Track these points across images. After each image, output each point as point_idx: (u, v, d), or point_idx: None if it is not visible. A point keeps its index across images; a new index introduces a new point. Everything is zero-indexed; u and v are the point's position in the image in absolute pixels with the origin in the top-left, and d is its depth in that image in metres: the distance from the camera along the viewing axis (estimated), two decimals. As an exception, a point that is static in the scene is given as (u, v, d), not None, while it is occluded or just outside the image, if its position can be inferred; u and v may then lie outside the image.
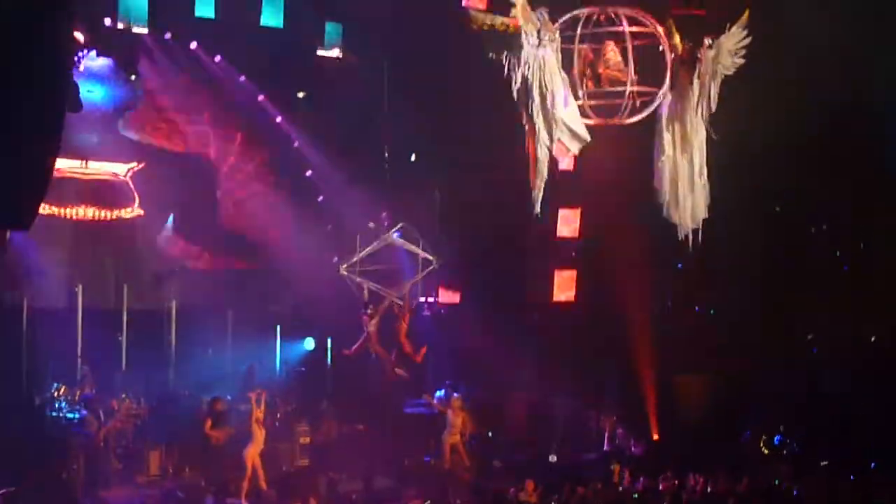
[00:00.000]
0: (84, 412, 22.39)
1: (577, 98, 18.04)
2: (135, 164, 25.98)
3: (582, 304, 28.90)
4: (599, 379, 27.84)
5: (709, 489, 20.14)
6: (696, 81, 18.03)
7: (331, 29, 27.00)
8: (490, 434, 25.90)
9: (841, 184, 26.85)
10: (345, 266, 24.68)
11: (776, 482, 20.22)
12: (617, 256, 27.54)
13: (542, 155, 17.81)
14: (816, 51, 23.74)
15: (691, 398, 28.66)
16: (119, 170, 25.91)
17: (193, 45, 25.90)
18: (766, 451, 26.28)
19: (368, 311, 25.18)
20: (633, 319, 27.90)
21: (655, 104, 18.32)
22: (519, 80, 17.37)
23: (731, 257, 27.24)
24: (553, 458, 25.73)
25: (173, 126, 26.82)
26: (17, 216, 14.02)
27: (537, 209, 18.24)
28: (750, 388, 27.48)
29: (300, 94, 27.86)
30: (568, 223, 28.75)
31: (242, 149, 27.86)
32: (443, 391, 26.43)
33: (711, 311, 30.07)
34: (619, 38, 17.89)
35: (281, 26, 26.27)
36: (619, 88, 18.03)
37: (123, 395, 23.36)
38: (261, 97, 27.24)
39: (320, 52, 27.02)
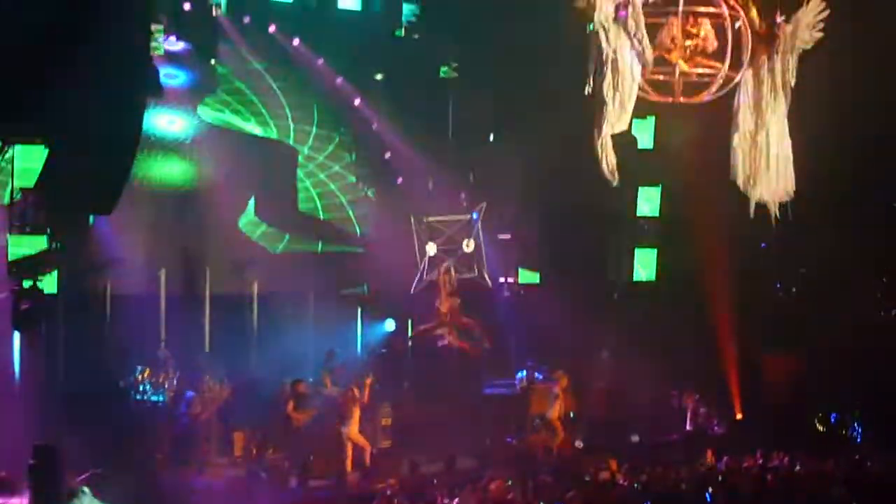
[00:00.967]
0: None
1: (652, 73, 17.81)
2: None
3: (663, 283, 28.73)
4: (681, 358, 27.64)
5: (796, 468, 19.94)
6: (775, 57, 17.79)
7: (408, 10, 26.99)
8: (572, 415, 25.80)
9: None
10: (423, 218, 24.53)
11: (864, 462, 19.95)
12: (698, 235, 27.35)
13: (607, 131, 17.63)
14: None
15: (775, 377, 28.43)
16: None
17: (272, 28, 25.98)
18: (846, 432, 26.03)
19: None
20: (714, 298, 27.70)
21: (735, 82, 18.10)
22: (594, 52, 17.22)
23: (814, 235, 26.97)
24: (635, 438, 25.64)
25: (252, 109, 26.95)
26: (99, 200, 14.20)
27: (614, 181, 18.03)
28: (835, 367, 27.18)
29: (378, 77, 27.86)
30: (648, 201, 28.58)
31: (321, 132, 27.94)
32: (524, 372, 26.41)
33: (793, 290, 29.79)
34: (703, 15, 17.64)
35: (359, 9, 26.34)
36: (705, 68, 17.83)
37: (207, 378, 23.52)
38: (339, 80, 27.27)
39: (398, 34, 27.03)
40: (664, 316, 27.46)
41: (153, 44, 21.05)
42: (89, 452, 18.57)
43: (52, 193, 15.41)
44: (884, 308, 28.71)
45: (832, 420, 26.84)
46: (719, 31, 17.83)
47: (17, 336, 19.60)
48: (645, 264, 28.95)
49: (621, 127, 17.98)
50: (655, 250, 28.81)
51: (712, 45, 17.70)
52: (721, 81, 17.80)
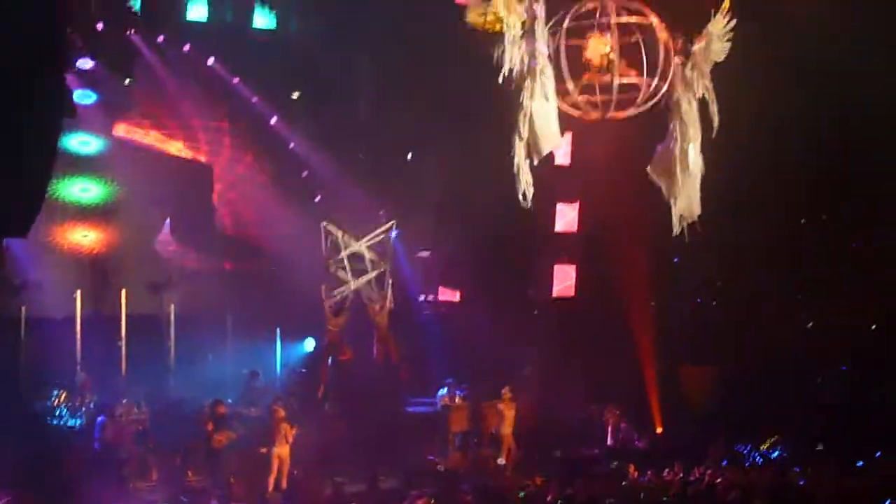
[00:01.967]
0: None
1: (567, 93, 17.81)
2: None
3: (582, 299, 28.86)
4: (602, 373, 27.76)
5: (717, 481, 20.05)
6: (690, 72, 17.89)
7: (323, 30, 26.90)
8: (493, 431, 25.79)
9: (839, 172, 26.81)
10: (331, 262, 24.29)
11: (783, 474, 20.11)
12: (616, 250, 27.51)
13: (522, 151, 17.59)
14: (806, 38, 23.76)
15: (694, 390, 28.64)
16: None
17: (186, 47, 25.81)
18: (769, 445, 26.23)
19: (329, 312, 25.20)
20: (633, 312, 27.88)
21: (654, 99, 18.17)
22: (505, 74, 17.17)
23: (730, 248, 27.22)
24: (558, 454, 25.68)
25: (167, 129, 26.76)
26: (14, 223, 13.94)
27: (527, 204, 17.98)
28: (752, 379, 27.42)
29: (294, 95, 27.77)
30: (566, 217, 28.71)
31: (236, 151, 27.79)
32: (445, 389, 26.38)
33: (713, 303, 30.04)
34: (617, 31, 17.70)
35: (274, 27, 26.24)
36: (615, 82, 17.87)
37: (124, 401, 23.24)
38: (255, 99, 27.15)
39: (314, 53, 26.95)
40: (584, 331, 27.58)
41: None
42: (4, 477, 18.29)
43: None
44: (798, 320, 29.05)
45: (750, 432, 27.02)
46: (637, 48, 17.90)
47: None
48: (564, 280, 29.06)
49: (545, 149, 17.90)
50: (574, 266, 28.92)
51: (627, 60, 17.74)
52: (642, 97, 17.83)
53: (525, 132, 17.20)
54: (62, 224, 25.39)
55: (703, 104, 18.19)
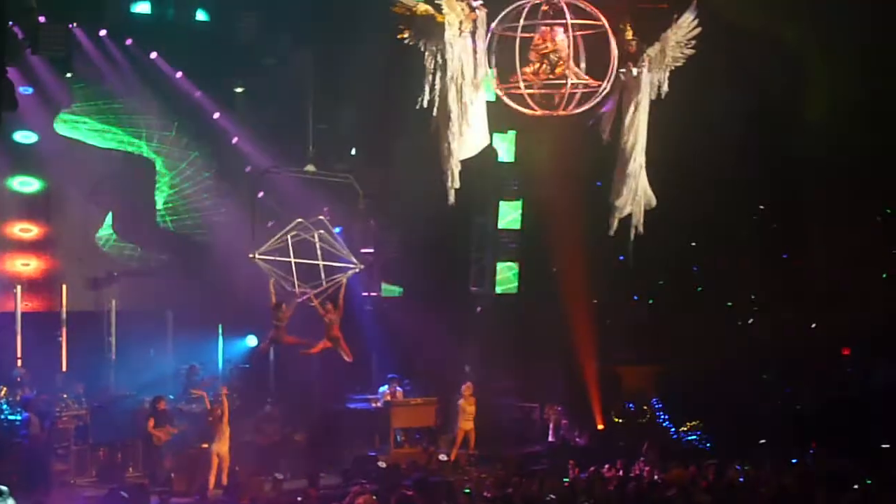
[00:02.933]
0: (26, 414, 22.11)
1: (511, 88, 17.81)
2: None
3: (525, 296, 28.97)
4: (543, 370, 27.90)
5: (655, 478, 20.21)
6: (644, 75, 17.92)
7: (264, 24, 26.80)
8: (434, 426, 25.85)
9: (777, 170, 27.10)
10: (256, 253, 24.01)
11: (725, 470, 20.27)
12: (559, 247, 27.63)
13: (454, 147, 17.54)
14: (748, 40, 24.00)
15: (634, 388, 28.82)
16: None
17: (129, 41, 25.66)
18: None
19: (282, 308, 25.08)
20: (576, 310, 28.00)
21: (598, 98, 18.23)
22: (437, 69, 17.10)
23: (669, 248, 27.41)
24: (499, 451, 25.75)
25: (110, 124, 26.59)
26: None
27: (451, 200, 17.90)
28: (690, 377, 27.64)
29: (238, 90, 27.67)
30: (509, 215, 28.79)
31: (180, 146, 27.65)
32: (386, 386, 26.39)
33: (650, 301, 30.24)
34: (567, 29, 17.71)
35: (216, 21, 26.16)
36: (562, 81, 17.90)
37: (64, 396, 23.09)
38: (198, 94, 27.04)
39: (256, 48, 26.85)
40: (526, 328, 27.68)
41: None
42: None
43: None
44: (738, 319, 29.32)
45: (690, 428, 27.25)
46: (588, 47, 17.95)
47: None
48: (507, 277, 29.15)
49: (475, 148, 17.86)
50: (517, 263, 29.01)
51: (570, 57, 17.74)
52: (580, 97, 17.88)
53: (457, 130, 17.18)
54: (1, 218, 25.17)
55: (653, 107, 18.25)
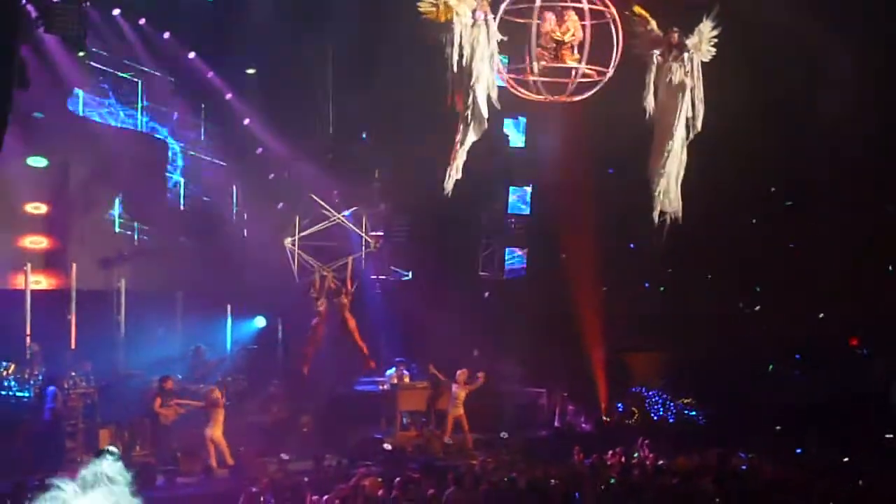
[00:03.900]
0: (52, 388, 22.19)
1: (519, 74, 17.82)
2: None
3: (533, 282, 28.99)
4: (550, 356, 27.95)
5: (659, 463, 20.26)
6: (680, 68, 17.88)
7: (278, 7, 26.81)
8: (443, 411, 25.90)
9: (791, 162, 27.09)
10: (289, 240, 24.18)
11: (729, 457, 20.32)
12: (569, 233, 27.65)
13: (471, 137, 17.57)
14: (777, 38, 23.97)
15: (641, 375, 28.86)
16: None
17: (142, 21, 25.71)
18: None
19: (313, 294, 25.17)
20: (582, 297, 28.03)
21: (598, 86, 18.23)
22: (455, 60, 17.16)
23: (682, 237, 27.41)
24: (504, 435, 25.82)
25: (122, 102, 26.66)
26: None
27: (448, 189, 17.91)
28: (697, 365, 27.67)
29: (250, 71, 27.71)
30: (519, 200, 28.79)
31: (193, 126, 27.72)
32: (394, 369, 26.46)
33: (661, 289, 30.24)
34: (575, 16, 17.71)
35: (229, 1, 26.21)
36: (571, 66, 17.90)
37: (73, 374, 23.18)
38: (210, 74, 27.09)
39: (269, 30, 26.87)
40: (534, 314, 27.71)
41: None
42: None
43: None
44: (744, 307, 29.33)
45: (696, 416, 27.29)
46: (593, 35, 17.95)
47: None
48: (516, 262, 29.18)
49: (479, 135, 17.92)
50: (526, 249, 29.04)
51: (578, 41, 17.73)
52: (596, 80, 17.89)
53: (470, 116, 17.24)
54: (12, 196, 25.25)
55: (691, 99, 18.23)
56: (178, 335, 26.94)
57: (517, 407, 27.26)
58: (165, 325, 27.15)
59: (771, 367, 28.15)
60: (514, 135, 28.33)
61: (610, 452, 21.56)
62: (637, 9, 17.58)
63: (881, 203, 27.31)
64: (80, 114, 26.05)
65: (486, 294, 29.44)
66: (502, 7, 16.91)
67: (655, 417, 26.86)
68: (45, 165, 25.91)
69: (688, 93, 17.91)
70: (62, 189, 26.21)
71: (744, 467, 19.82)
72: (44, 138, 25.46)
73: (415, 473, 19.62)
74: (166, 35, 26.15)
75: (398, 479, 18.50)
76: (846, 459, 20.54)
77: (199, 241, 27.41)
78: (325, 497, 17.24)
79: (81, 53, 25.04)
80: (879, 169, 26.53)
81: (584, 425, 26.93)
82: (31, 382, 22.82)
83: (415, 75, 24.87)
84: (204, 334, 26.66)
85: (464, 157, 17.30)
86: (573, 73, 17.42)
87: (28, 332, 24.66)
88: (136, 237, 27.40)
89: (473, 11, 16.81)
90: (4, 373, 22.97)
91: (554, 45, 17.50)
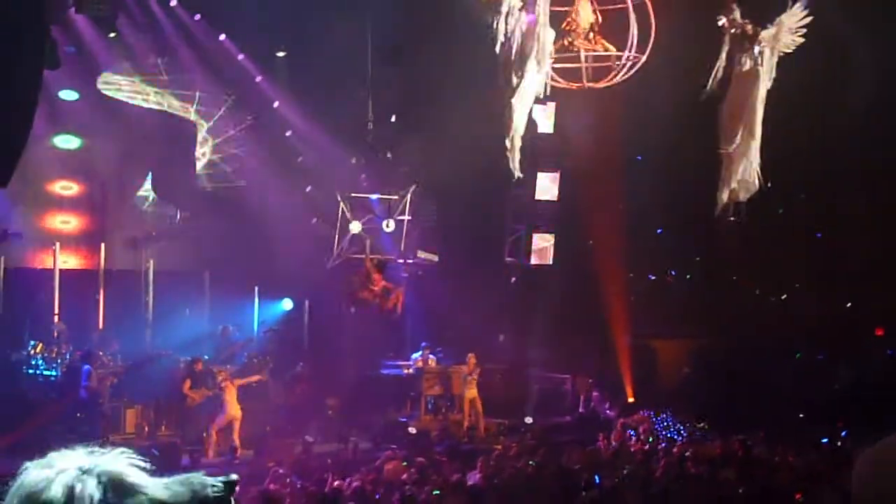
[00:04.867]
0: (88, 366, 22.30)
1: (558, 60, 17.86)
2: None
3: (560, 268, 28.98)
4: (575, 342, 27.96)
5: (686, 453, 20.23)
6: (757, 58, 17.87)
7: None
8: (457, 395, 25.94)
9: (817, 155, 26.98)
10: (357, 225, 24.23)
11: (750, 448, 20.27)
12: (596, 219, 27.63)
13: (520, 118, 17.64)
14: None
15: (667, 361, 28.86)
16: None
17: (173, 2, 25.76)
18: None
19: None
20: (609, 283, 28.03)
21: (631, 72, 18.22)
22: (503, 41, 17.21)
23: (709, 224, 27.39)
24: (529, 420, 25.86)
25: (152, 83, 26.71)
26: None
27: (518, 174, 18.03)
28: (724, 353, 27.63)
29: (280, 54, 27.73)
30: (547, 186, 28.76)
31: (222, 108, 27.77)
32: (419, 352, 26.52)
33: (688, 276, 30.22)
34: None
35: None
36: (601, 53, 17.92)
37: (101, 353, 23.30)
38: (241, 56, 27.12)
39: (300, 11, 26.86)
40: (560, 300, 27.70)
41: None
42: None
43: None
44: (772, 295, 29.27)
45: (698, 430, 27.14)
46: (622, 18, 17.95)
47: None
48: (542, 249, 29.15)
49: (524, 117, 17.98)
50: (553, 234, 29.02)
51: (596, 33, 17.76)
52: (626, 66, 17.91)
53: (519, 103, 17.31)
54: (42, 176, 25.38)
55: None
56: (206, 315, 27.06)
57: (542, 392, 27.31)
58: (193, 306, 27.27)
59: (798, 355, 28.05)
60: (542, 121, 28.26)
61: (633, 439, 21.58)
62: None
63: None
64: (110, 94, 26.11)
65: (513, 279, 29.44)
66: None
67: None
68: (78, 146, 26.06)
69: (760, 84, 17.87)
70: (92, 169, 26.35)
71: (767, 456, 19.77)
72: (74, 118, 25.58)
73: (443, 456, 19.68)
74: (197, 17, 26.18)
75: (421, 462, 18.55)
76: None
77: (227, 222, 27.47)
78: (349, 480, 17.31)
79: (112, 34, 25.12)
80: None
81: (608, 412, 26.92)
82: (59, 361, 22.95)
83: (448, 58, 24.94)
84: (231, 315, 26.76)
85: (519, 143, 17.36)
86: (613, 59, 17.46)
87: (56, 311, 24.81)
88: (165, 217, 27.50)
89: None
90: (32, 351, 23.13)
91: (587, 31, 17.56)
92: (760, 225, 27.57)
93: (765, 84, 18.00)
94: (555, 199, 28.88)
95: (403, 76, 27.10)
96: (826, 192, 28.12)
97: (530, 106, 18.21)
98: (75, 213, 26.29)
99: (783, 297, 29.11)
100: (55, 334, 23.84)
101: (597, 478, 16.62)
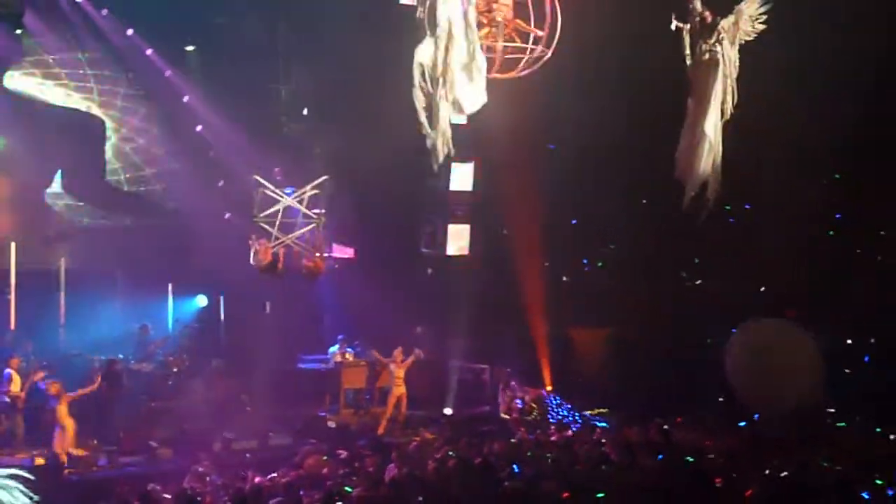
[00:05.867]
0: (8, 371, 21.93)
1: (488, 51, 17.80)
2: None
3: (476, 258, 29.03)
4: (494, 332, 28.01)
5: (602, 441, 20.32)
6: (717, 48, 17.90)
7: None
8: (383, 389, 25.92)
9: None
10: (259, 216, 24.01)
11: (668, 432, 20.41)
12: (512, 210, 27.69)
13: (444, 109, 17.52)
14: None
15: (583, 350, 28.98)
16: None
17: (80, -3, 25.50)
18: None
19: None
20: (526, 273, 28.10)
21: (537, 64, 18.23)
22: (427, 29, 17.06)
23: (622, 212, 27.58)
24: (448, 411, 25.88)
25: (59, 80, 26.39)
26: None
27: (439, 162, 17.93)
28: (640, 341, 27.79)
29: (189, 49, 27.51)
30: (462, 177, 28.76)
31: (130, 104, 27.49)
32: (337, 346, 26.45)
33: (599, 264, 30.34)
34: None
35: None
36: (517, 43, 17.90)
37: (13, 355, 22.96)
38: (149, 51, 26.86)
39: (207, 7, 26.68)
40: (478, 290, 27.74)
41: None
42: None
43: None
44: (686, 281, 29.45)
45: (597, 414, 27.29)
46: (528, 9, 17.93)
47: None
48: (458, 239, 29.17)
49: (473, 107, 17.87)
50: (469, 225, 29.05)
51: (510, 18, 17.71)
52: (533, 58, 17.91)
53: (449, 92, 17.18)
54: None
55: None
56: (119, 314, 26.78)
57: (461, 383, 27.34)
58: (106, 305, 26.97)
59: (709, 340, 28.22)
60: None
61: (552, 429, 21.67)
62: None
63: (825, 171, 27.28)
64: (17, 91, 25.75)
65: (429, 271, 29.44)
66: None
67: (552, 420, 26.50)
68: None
69: (720, 74, 17.93)
70: (1, 167, 25.98)
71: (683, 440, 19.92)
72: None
73: (366, 450, 19.62)
74: (104, 12, 25.88)
75: (342, 457, 18.50)
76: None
77: (139, 220, 27.24)
78: (270, 475, 17.22)
79: (18, 31, 24.76)
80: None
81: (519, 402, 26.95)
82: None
83: (360, 51, 24.86)
84: (145, 313, 26.53)
85: (445, 131, 17.27)
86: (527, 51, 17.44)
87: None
88: (75, 216, 27.19)
89: None
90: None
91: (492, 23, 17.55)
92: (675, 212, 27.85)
93: (725, 73, 18.04)
94: (469, 189, 28.90)
95: (317, 69, 26.94)
96: (739, 178, 28.31)
97: (467, 92, 18.06)
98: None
99: (697, 282, 29.29)
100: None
101: (515, 467, 16.63)
